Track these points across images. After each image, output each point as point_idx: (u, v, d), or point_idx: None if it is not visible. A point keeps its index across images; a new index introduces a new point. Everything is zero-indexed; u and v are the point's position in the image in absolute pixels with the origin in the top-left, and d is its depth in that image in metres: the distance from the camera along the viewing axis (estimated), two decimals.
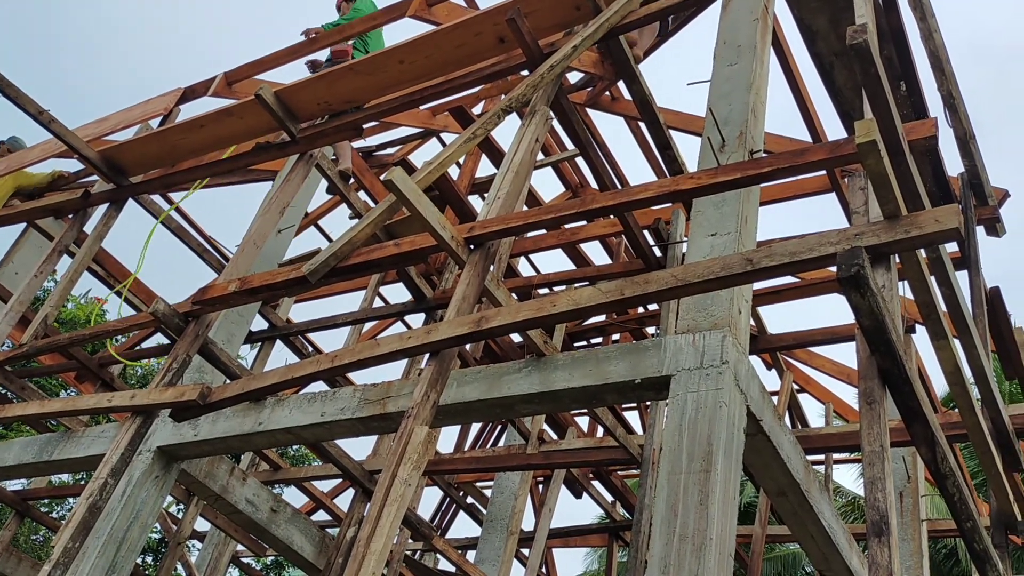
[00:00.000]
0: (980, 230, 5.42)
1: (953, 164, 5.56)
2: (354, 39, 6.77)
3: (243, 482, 5.62)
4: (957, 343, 4.07)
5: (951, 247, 4.31)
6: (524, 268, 10.20)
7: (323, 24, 6.98)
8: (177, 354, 4.80)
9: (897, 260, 3.40)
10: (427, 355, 3.87)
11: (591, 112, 8.47)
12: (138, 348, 9.16)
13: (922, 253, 3.62)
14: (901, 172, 3.07)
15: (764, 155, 4.47)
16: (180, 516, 8.50)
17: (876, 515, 2.40)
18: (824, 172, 6.22)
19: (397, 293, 10.50)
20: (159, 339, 8.56)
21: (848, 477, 29.56)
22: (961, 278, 5.09)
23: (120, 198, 6.50)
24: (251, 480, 5.69)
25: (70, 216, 6.93)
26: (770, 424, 3.79)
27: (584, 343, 10.23)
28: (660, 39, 6.85)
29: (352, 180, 6.99)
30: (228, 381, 5.43)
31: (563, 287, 7.92)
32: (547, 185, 25.72)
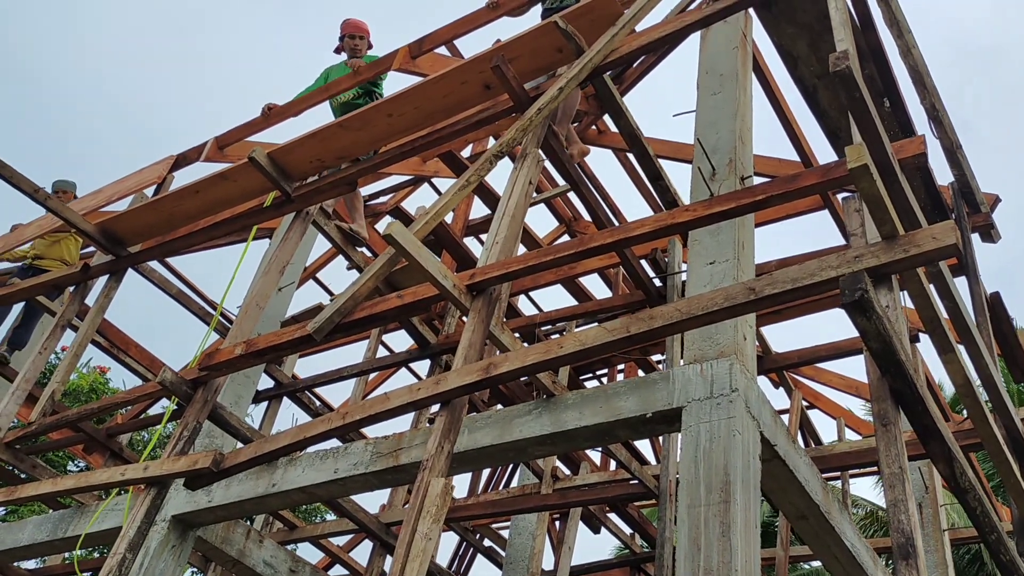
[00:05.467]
0: (975, 237, 5.47)
1: (942, 173, 5.62)
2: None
3: (260, 544, 5.58)
4: (964, 353, 4.08)
5: None
6: (524, 305, 10.22)
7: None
8: (187, 421, 4.80)
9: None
10: (437, 405, 3.87)
11: None
12: (144, 416, 9.13)
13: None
14: (894, 192, 3.10)
15: (755, 180, 4.53)
16: None
17: (902, 537, 2.40)
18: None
19: (400, 339, 10.51)
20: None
21: (865, 487, 29.11)
22: (959, 284, 5.12)
23: (119, 268, 6.53)
24: (268, 542, 5.64)
25: (71, 290, 6.96)
26: (785, 448, 3.79)
27: (590, 375, 10.21)
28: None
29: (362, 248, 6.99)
30: (239, 444, 5.42)
31: (565, 323, 7.93)
32: (540, 218, 25.84)
